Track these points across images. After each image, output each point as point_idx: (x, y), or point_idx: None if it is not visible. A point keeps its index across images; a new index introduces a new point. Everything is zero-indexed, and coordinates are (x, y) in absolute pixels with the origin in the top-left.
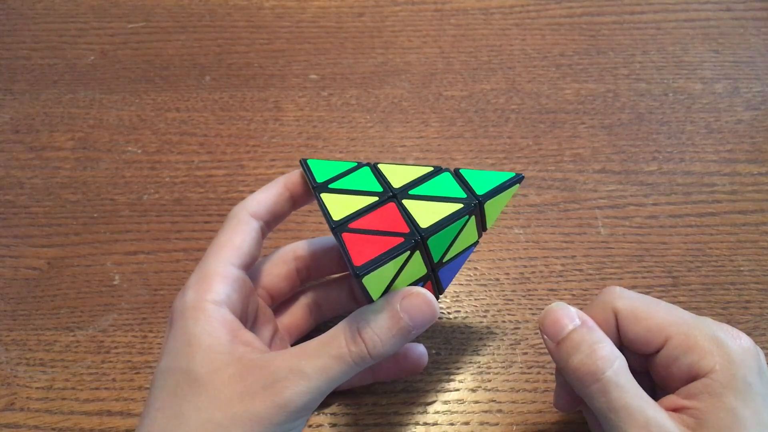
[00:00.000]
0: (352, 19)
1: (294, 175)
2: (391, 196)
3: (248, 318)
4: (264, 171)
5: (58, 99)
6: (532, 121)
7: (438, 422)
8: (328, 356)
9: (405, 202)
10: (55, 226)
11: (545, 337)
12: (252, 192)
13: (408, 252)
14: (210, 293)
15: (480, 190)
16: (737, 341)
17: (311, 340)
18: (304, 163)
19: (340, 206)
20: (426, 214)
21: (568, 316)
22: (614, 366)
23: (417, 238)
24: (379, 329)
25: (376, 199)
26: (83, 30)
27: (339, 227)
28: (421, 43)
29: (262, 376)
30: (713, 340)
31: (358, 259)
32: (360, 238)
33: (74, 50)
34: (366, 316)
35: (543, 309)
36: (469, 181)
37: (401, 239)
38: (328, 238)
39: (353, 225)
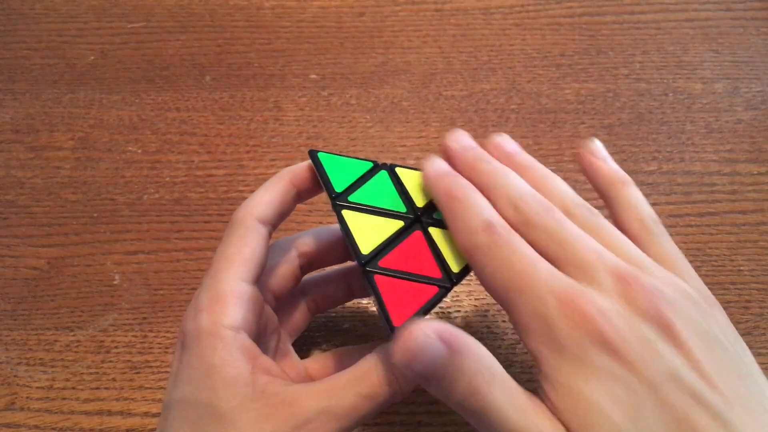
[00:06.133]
0: (352, 19)
1: (301, 170)
2: (416, 219)
3: (260, 334)
4: (264, 171)
5: (58, 99)
6: (532, 120)
7: (438, 422)
8: (360, 396)
9: (431, 231)
10: (55, 226)
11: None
12: (252, 191)
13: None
14: (226, 317)
15: None
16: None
17: (339, 374)
18: (314, 157)
19: (364, 230)
20: (455, 250)
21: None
22: (487, 397)
23: (450, 285)
24: None
25: (401, 224)
26: (83, 30)
27: (369, 264)
28: (421, 43)
29: (292, 415)
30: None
31: (397, 319)
32: (392, 284)
33: (74, 50)
34: None
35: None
36: None
37: (435, 288)
38: (330, 228)
39: (384, 263)
